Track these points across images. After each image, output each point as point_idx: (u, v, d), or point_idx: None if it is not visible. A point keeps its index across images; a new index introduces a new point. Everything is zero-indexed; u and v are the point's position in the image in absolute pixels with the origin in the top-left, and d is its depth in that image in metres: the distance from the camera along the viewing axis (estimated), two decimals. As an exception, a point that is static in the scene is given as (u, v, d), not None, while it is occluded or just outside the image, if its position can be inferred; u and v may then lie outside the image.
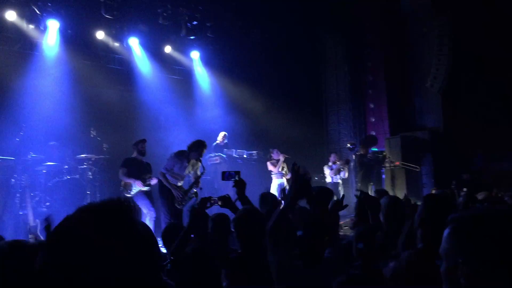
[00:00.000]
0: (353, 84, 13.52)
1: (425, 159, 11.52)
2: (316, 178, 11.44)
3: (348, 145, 11.92)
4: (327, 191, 5.20)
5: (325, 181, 10.99)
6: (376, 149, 12.50)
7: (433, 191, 8.85)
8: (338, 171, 11.06)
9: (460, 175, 9.72)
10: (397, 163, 11.37)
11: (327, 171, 11.09)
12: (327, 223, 3.36)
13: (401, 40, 13.00)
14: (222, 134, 10.90)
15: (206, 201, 3.53)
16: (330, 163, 11.21)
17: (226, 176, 3.93)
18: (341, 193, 9.99)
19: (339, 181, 11.08)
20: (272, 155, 10.72)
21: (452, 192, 6.41)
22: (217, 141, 10.81)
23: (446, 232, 1.17)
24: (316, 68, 13.98)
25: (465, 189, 9.73)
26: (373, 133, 13.19)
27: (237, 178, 3.80)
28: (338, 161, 11.24)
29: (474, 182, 9.42)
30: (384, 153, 11.96)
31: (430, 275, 1.79)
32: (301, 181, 3.01)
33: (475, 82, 11.57)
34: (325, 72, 14.14)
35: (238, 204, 3.77)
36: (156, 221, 7.75)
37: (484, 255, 1.07)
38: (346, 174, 11.25)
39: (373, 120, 13.30)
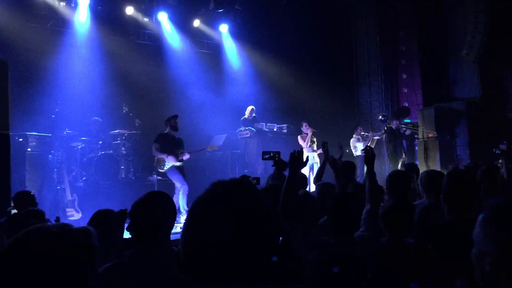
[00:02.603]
0: (385, 54, 13.19)
1: (460, 130, 11.22)
2: (347, 151, 11.30)
3: (380, 116, 11.70)
4: (351, 164, 5.19)
5: (353, 155, 10.83)
6: (409, 121, 12.27)
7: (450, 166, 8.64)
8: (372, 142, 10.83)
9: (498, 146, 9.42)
10: (431, 135, 11.13)
11: (359, 144, 10.86)
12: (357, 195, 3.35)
13: (436, 7, 12.53)
14: (249, 108, 10.87)
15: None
16: (357, 136, 10.98)
17: (266, 156, 3.95)
18: None
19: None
20: (302, 128, 10.65)
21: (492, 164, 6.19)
22: (245, 116, 10.80)
23: (480, 217, 1.16)
24: (347, 40, 13.67)
25: (500, 161, 9.49)
26: (406, 104, 12.90)
27: (277, 159, 3.82)
28: (370, 132, 11.03)
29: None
30: (414, 125, 11.74)
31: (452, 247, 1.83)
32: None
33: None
34: (356, 43, 13.82)
35: None
36: (189, 196, 7.86)
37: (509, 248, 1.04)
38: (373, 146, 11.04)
39: (406, 91, 12.99)
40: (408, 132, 10.92)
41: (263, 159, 3.98)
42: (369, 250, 2.72)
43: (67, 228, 1.28)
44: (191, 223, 0.98)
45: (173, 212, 2.49)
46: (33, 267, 1.18)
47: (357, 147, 10.88)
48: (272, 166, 3.83)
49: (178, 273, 2.16)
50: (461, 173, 3.40)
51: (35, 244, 1.21)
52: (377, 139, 11.06)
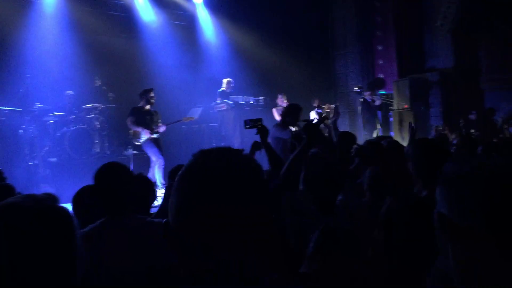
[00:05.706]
0: (361, 25, 13.16)
1: (434, 101, 11.37)
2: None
3: (356, 88, 11.71)
4: (350, 136, 5.01)
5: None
6: (384, 92, 12.36)
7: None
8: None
9: (468, 116, 9.63)
10: (406, 106, 11.25)
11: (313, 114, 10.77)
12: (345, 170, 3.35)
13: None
14: (226, 80, 10.68)
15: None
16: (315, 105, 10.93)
17: (249, 123, 3.88)
18: None
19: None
20: (277, 101, 10.57)
21: (461, 133, 6.31)
22: (223, 88, 10.64)
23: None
24: (323, 10, 13.56)
25: (472, 130, 9.70)
26: (382, 75, 12.97)
27: (260, 125, 3.76)
28: (323, 105, 10.93)
29: (483, 121, 9.33)
30: (388, 96, 11.84)
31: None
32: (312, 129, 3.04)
33: (487, 21, 11.20)
34: (332, 14, 13.74)
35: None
36: (165, 169, 7.79)
37: (463, 214, 0.99)
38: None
39: (381, 62, 13.05)
40: (377, 102, 10.87)
41: (246, 127, 3.91)
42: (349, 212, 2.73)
43: (43, 203, 1.17)
44: (182, 193, 0.92)
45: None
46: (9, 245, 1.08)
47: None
48: (256, 134, 3.74)
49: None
50: (430, 142, 3.07)
51: (10, 221, 1.11)
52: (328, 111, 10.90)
